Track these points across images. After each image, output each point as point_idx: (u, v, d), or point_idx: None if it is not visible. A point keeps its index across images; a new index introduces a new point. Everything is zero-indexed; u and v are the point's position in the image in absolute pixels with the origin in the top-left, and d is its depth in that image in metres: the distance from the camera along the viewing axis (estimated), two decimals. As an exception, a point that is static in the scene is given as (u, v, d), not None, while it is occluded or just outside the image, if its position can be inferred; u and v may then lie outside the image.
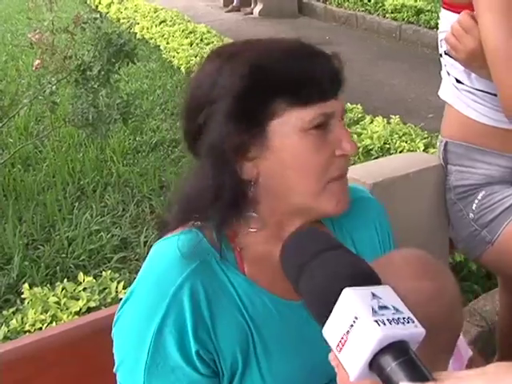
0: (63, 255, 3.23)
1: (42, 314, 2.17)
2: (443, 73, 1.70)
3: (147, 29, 7.98)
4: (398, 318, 0.61)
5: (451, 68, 1.64)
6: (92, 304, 2.21)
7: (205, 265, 0.95)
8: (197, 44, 6.80)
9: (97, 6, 9.99)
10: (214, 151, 0.93)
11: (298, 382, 0.98)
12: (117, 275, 2.50)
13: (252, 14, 9.81)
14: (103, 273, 2.47)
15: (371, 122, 4.06)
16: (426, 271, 0.82)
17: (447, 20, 1.57)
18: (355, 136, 3.94)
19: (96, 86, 3.75)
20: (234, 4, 10.11)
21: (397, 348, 0.59)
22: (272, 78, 0.92)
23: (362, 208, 1.09)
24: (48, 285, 2.47)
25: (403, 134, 3.66)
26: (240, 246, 0.99)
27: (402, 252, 0.88)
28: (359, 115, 4.29)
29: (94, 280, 2.40)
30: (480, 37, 1.43)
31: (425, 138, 3.55)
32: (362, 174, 1.48)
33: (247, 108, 0.92)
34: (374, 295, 0.63)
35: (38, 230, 3.48)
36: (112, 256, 3.24)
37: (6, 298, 2.88)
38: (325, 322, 0.66)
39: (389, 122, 3.97)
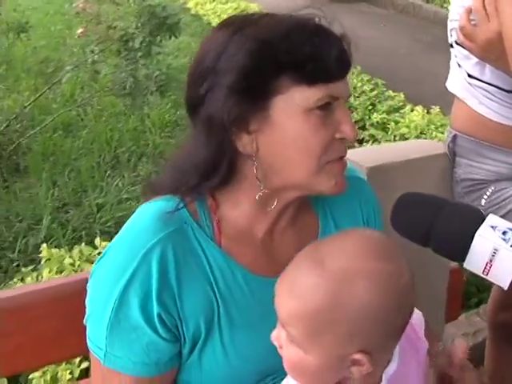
0: (91, 220, 3.29)
1: (56, 273, 2.23)
2: (453, 63, 1.64)
3: (201, 5, 7.99)
4: None
5: (463, 60, 1.57)
6: (105, 268, 2.25)
7: (179, 232, 0.96)
8: (248, 23, 6.76)
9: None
10: (212, 123, 0.92)
11: (260, 358, 0.98)
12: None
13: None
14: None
15: (411, 111, 4.00)
16: (383, 253, 0.81)
17: (460, 7, 1.49)
18: (392, 124, 3.89)
19: (137, 57, 3.78)
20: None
21: None
22: (278, 55, 0.90)
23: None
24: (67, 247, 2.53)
25: (441, 125, 3.60)
26: (220, 218, 0.99)
27: (359, 231, 0.87)
28: (400, 103, 4.23)
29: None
30: (501, 24, 1.35)
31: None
32: (361, 157, 1.44)
33: (251, 83, 0.91)
34: (493, 227, 0.84)
35: (70, 195, 3.55)
36: (139, 224, 3.28)
37: (32, 257, 2.97)
38: (460, 257, 0.85)
39: (429, 112, 3.90)
